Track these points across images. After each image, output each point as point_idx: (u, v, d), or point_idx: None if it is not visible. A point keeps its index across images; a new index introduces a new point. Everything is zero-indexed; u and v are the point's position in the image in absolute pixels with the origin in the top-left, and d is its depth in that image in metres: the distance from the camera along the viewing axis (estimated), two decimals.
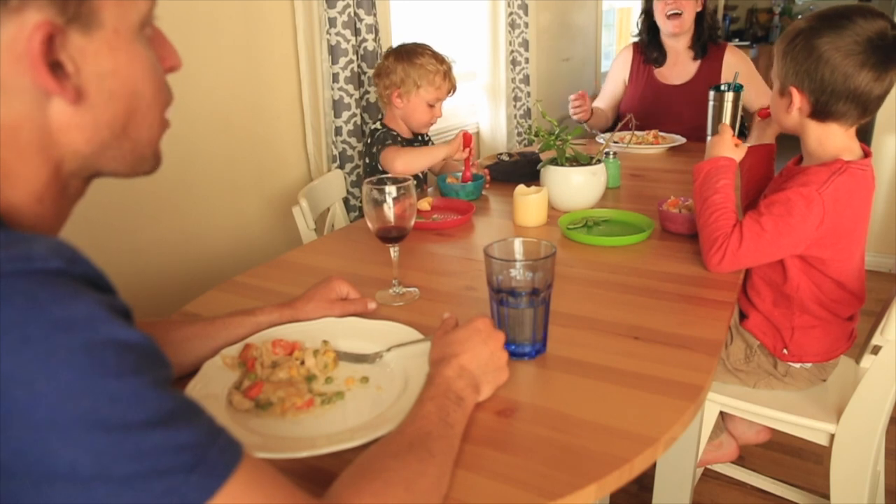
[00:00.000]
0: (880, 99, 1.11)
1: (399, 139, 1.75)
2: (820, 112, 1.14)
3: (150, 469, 0.41)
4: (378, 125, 1.79)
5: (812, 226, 1.11)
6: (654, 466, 1.34)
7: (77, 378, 0.39)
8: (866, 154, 1.18)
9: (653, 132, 2.32)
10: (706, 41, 2.44)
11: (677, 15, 2.36)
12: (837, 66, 1.08)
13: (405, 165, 1.66)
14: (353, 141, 2.01)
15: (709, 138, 1.97)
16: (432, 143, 1.92)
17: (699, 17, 2.40)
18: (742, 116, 2.00)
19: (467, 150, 1.69)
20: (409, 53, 1.72)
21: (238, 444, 0.47)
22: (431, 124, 1.82)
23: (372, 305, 1.02)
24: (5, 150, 0.47)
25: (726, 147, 1.28)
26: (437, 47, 1.79)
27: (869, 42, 1.07)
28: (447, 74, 1.75)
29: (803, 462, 1.81)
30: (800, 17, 1.24)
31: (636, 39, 2.59)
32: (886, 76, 1.08)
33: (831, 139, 1.17)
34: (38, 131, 0.48)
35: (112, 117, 0.52)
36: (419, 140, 1.87)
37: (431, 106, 1.76)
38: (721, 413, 1.45)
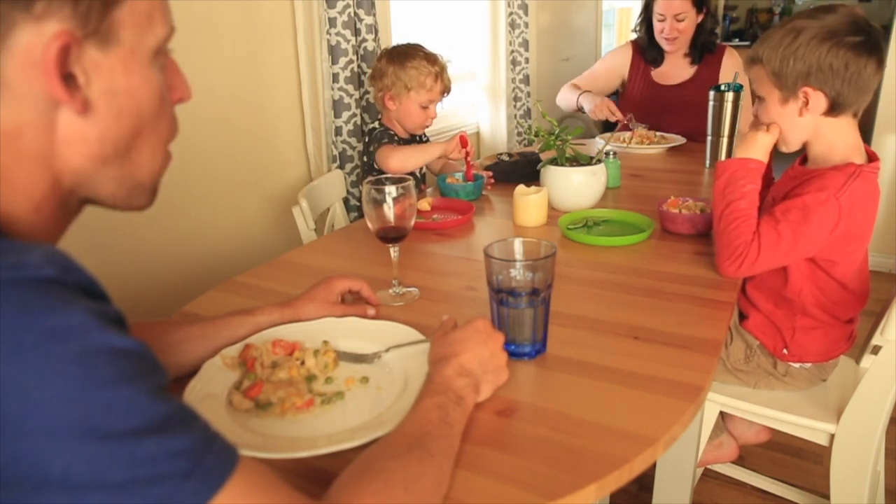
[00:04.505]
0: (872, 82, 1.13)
1: (396, 138, 1.75)
2: (837, 106, 1.13)
3: (145, 476, 0.41)
4: (376, 124, 1.79)
5: (827, 230, 1.11)
6: (654, 466, 1.34)
7: (71, 387, 0.39)
8: (871, 157, 1.18)
9: (657, 134, 2.32)
10: (702, 51, 2.44)
11: (673, 39, 2.38)
12: (850, 61, 1.09)
13: (399, 163, 1.66)
14: (353, 141, 2.01)
15: (709, 139, 1.99)
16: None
17: (699, 27, 2.40)
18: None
19: (464, 150, 1.69)
20: (402, 55, 1.71)
21: (234, 449, 0.47)
22: (426, 126, 1.81)
23: (371, 312, 1.01)
24: (7, 154, 0.47)
25: (760, 148, 1.21)
26: (435, 47, 1.78)
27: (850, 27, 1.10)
28: (439, 76, 1.73)
29: (803, 462, 1.81)
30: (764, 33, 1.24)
31: (635, 37, 2.58)
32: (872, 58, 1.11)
33: (843, 136, 1.16)
34: (41, 139, 0.48)
35: (118, 135, 0.52)
36: (416, 140, 1.87)
37: (425, 107, 1.75)
38: (721, 413, 1.45)
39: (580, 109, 2.45)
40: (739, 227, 1.14)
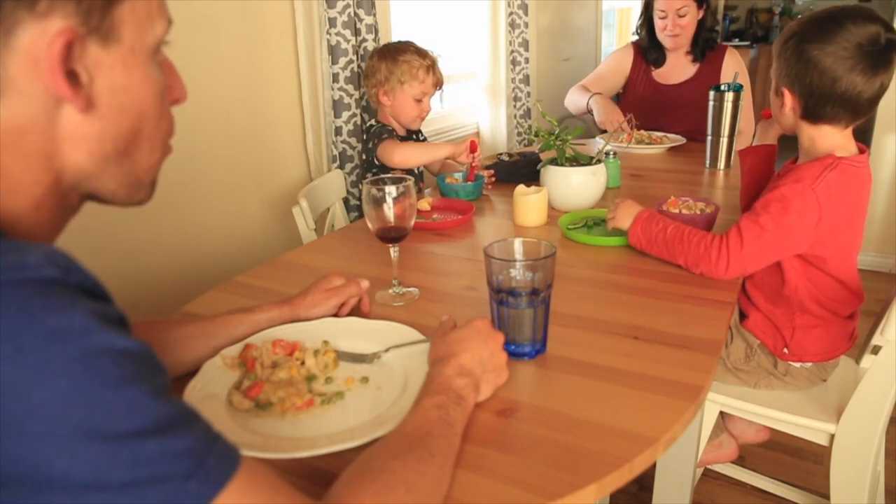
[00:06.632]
0: (871, 101, 1.12)
1: (395, 134, 1.76)
2: (810, 114, 1.16)
3: (147, 477, 0.41)
4: (373, 122, 1.81)
5: (811, 223, 1.11)
6: (654, 466, 1.34)
7: (72, 388, 0.39)
8: (861, 151, 1.18)
9: (658, 134, 2.32)
10: (703, 48, 2.44)
11: (676, 36, 2.38)
12: (826, 71, 1.09)
13: (403, 157, 1.68)
14: (353, 141, 2.01)
15: (709, 139, 1.99)
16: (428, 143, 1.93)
17: (699, 24, 2.39)
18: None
19: (472, 156, 1.70)
20: (392, 51, 1.74)
21: (236, 450, 0.47)
22: (421, 119, 1.82)
23: (364, 284, 1.01)
24: (9, 153, 0.47)
25: (632, 208, 1.27)
26: (433, 47, 1.80)
27: (859, 47, 1.07)
28: (431, 69, 1.76)
29: (803, 462, 1.81)
30: (799, 16, 1.22)
31: (635, 38, 2.58)
32: (876, 79, 1.09)
33: (824, 139, 1.17)
34: (43, 138, 0.48)
35: (118, 132, 0.52)
36: (414, 138, 1.88)
37: (418, 100, 1.76)
38: (721, 413, 1.45)
39: (590, 112, 2.46)
40: (691, 237, 1.15)
